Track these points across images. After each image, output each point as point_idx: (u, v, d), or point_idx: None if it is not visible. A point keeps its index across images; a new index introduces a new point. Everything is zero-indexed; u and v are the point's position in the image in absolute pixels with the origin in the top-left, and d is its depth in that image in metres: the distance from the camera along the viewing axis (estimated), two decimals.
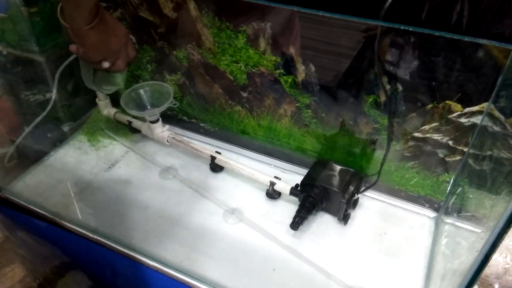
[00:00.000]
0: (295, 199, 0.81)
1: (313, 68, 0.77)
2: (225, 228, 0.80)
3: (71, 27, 0.68)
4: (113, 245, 0.77)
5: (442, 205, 0.81)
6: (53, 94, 0.94)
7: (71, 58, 0.92)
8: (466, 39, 0.60)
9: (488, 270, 0.65)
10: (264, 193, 0.86)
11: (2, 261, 1.38)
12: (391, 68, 0.70)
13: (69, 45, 0.75)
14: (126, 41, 0.76)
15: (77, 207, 0.85)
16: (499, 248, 0.67)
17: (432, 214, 0.82)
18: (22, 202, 0.85)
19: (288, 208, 0.83)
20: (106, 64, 0.74)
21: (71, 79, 0.98)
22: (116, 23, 0.73)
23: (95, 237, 0.78)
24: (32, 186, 0.89)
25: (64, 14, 0.67)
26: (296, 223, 0.76)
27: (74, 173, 0.92)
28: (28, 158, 0.94)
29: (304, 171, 0.84)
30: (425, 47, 0.66)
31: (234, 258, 0.75)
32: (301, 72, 0.78)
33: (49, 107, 0.93)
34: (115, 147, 0.98)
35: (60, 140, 0.99)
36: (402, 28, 0.61)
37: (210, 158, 0.90)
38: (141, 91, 0.92)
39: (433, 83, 0.68)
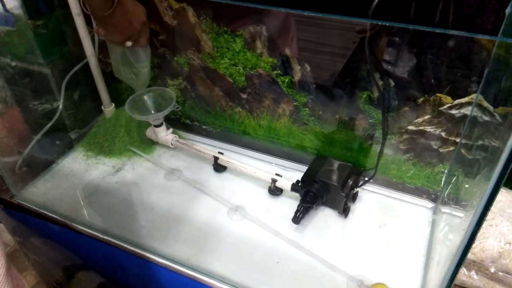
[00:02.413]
0: (296, 195, 0.84)
1: (308, 68, 0.80)
2: (230, 224, 0.83)
3: (93, 14, 0.77)
4: (123, 244, 0.80)
5: (439, 195, 0.83)
6: (60, 103, 0.97)
7: (77, 67, 0.96)
8: (452, 33, 0.63)
9: (483, 255, 0.68)
10: (266, 190, 0.89)
11: None
12: (383, 64, 0.73)
13: (75, 51, 0.81)
14: (146, 19, 0.84)
15: (87, 210, 0.88)
16: (493, 233, 0.69)
17: (430, 204, 0.85)
18: (34, 207, 0.89)
19: (289, 203, 0.86)
20: (128, 43, 0.83)
21: (77, 88, 1.02)
22: (135, 4, 0.81)
23: (105, 237, 0.81)
24: (43, 192, 0.92)
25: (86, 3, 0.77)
26: (298, 217, 0.79)
27: (82, 177, 0.95)
28: (38, 165, 0.98)
29: (304, 168, 0.87)
30: (415, 44, 0.69)
31: (239, 253, 0.78)
32: (297, 72, 0.81)
33: (56, 116, 0.97)
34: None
35: (68, 147, 1.03)
36: (389, 25, 0.65)
37: (213, 158, 0.93)
38: (145, 96, 0.95)
39: (423, 77, 0.71)
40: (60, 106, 0.98)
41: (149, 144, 1.02)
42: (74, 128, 1.05)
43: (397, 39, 0.71)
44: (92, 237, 0.83)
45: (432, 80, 0.71)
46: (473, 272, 0.71)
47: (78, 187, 0.93)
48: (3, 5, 0.87)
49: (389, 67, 0.73)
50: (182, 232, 0.82)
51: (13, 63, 0.93)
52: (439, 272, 0.64)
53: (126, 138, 1.01)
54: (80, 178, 0.95)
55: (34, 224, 0.91)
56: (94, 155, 1.01)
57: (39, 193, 0.92)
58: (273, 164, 0.97)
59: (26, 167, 0.96)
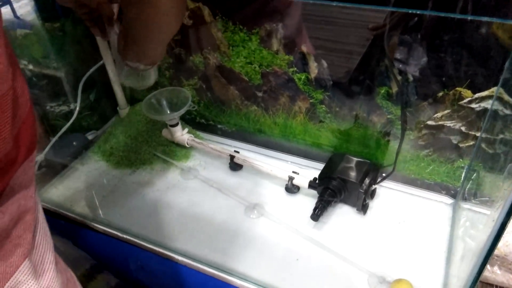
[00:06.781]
0: (314, 192, 0.84)
1: (325, 64, 0.80)
2: (248, 222, 0.83)
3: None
4: (142, 243, 0.80)
5: (459, 191, 0.82)
6: (77, 105, 0.98)
7: (93, 69, 0.97)
8: (471, 18, 0.62)
9: (507, 250, 0.67)
10: (283, 188, 0.89)
11: None
12: (401, 59, 0.72)
13: (91, 53, 0.81)
14: None
15: (105, 210, 0.88)
16: None
17: (449, 200, 0.84)
18: (53, 207, 0.89)
19: (307, 201, 0.86)
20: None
21: (93, 89, 1.03)
22: None
23: (124, 236, 0.82)
24: (61, 192, 0.93)
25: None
26: (317, 214, 0.78)
27: (100, 177, 0.96)
28: (56, 166, 0.99)
29: (321, 166, 0.86)
30: (433, 37, 0.68)
31: (258, 250, 0.78)
32: (313, 69, 0.81)
33: (73, 117, 0.98)
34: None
35: (85, 148, 1.04)
36: (410, 12, 0.64)
37: (229, 157, 0.93)
38: (161, 97, 0.96)
39: (443, 71, 0.70)
40: (77, 108, 0.99)
41: (165, 144, 1.03)
42: (90, 129, 1.06)
43: (415, 33, 0.70)
44: (111, 236, 0.83)
45: (451, 74, 0.70)
46: (496, 267, 0.70)
47: (96, 187, 0.94)
48: (13, 11, 0.88)
49: (407, 61, 0.72)
50: (200, 230, 0.82)
51: (31, 66, 0.94)
52: (463, 267, 0.63)
53: (141, 138, 1.02)
54: (97, 177, 0.96)
55: (52, 225, 0.92)
56: (110, 155, 1.01)
57: (58, 193, 0.93)
58: (289, 162, 0.96)
59: (44, 168, 0.97)
